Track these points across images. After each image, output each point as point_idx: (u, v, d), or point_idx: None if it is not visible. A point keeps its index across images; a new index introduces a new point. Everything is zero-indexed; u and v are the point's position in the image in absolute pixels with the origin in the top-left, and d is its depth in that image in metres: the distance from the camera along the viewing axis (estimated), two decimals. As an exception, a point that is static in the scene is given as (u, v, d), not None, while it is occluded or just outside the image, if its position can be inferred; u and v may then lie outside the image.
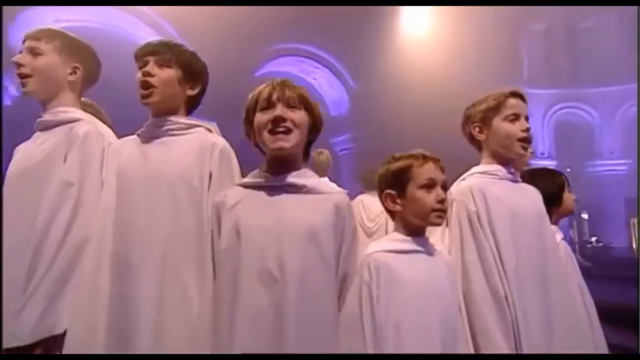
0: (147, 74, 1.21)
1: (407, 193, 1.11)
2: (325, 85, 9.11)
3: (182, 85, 1.26)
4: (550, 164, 9.93)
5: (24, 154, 1.30)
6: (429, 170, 1.11)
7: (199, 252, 1.12)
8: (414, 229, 1.13)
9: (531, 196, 1.35)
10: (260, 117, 1.07)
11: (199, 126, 1.27)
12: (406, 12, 9.63)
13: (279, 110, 1.06)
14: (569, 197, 1.66)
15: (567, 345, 1.20)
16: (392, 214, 1.17)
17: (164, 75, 1.22)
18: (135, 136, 1.30)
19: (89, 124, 1.28)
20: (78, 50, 1.36)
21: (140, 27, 6.87)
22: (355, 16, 8.16)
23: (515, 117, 1.30)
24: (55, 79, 1.31)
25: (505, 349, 1.14)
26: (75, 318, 1.10)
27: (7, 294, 1.13)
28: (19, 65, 1.28)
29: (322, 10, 7.61)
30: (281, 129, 1.05)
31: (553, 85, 11.33)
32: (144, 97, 1.21)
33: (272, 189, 1.08)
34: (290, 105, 1.07)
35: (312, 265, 1.00)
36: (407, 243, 1.11)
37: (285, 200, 1.06)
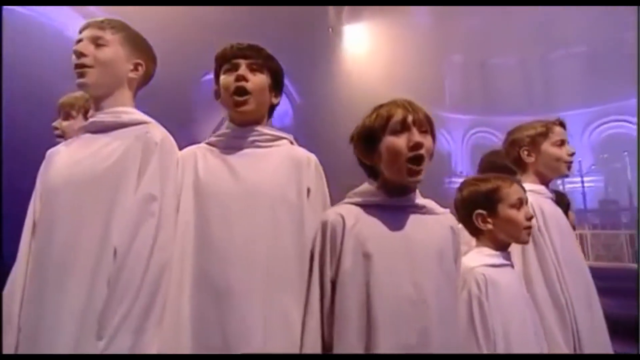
0: (243, 78, 1.13)
1: (499, 213, 1.20)
2: (269, 96, 9.08)
3: (270, 92, 1.20)
4: (467, 181, 11.02)
5: (71, 159, 1.13)
6: (517, 191, 1.21)
7: (299, 272, 1.06)
8: (501, 245, 1.22)
9: (563, 214, 1.54)
10: (397, 141, 1.02)
11: (283, 138, 1.21)
12: (349, 32, 10.09)
13: (418, 136, 1.02)
14: (571, 216, 1.91)
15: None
16: (478, 232, 1.24)
17: (258, 80, 1.16)
18: (205, 145, 1.20)
19: (161, 129, 1.16)
20: (141, 46, 1.23)
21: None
22: (303, 33, 8.34)
23: (562, 143, 1.49)
24: (117, 74, 1.17)
25: (565, 352, 1.28)
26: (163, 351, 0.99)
27: (60, 312, 0.98)
28: (81, 54, 1.13)
29: (274, 24, 7.64)
30: (419, 157, 1.01)
31: (470, 111, 12.64)
32: (240, 104, 1.13)
33: (391, 209, 1.06)
34: (422, 130, 1.04)
35: (443, 286, 1.01)
36: (499, 257, 1.20)
37: (409, 221, 1.05)
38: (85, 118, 1.48)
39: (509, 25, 11.75)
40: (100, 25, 1.17)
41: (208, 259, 1.04)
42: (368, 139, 1.07)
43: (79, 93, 1.52)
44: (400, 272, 0.99)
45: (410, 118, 1.03)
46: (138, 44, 1.22)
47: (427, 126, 1.04)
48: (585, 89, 11.26)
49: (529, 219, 1.20)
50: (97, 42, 1.15)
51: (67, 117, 1.51)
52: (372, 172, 1.12)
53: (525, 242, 1.22)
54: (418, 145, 1.01)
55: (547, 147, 1.49)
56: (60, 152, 1.18)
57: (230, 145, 1.17)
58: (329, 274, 1.03)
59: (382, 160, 1.05)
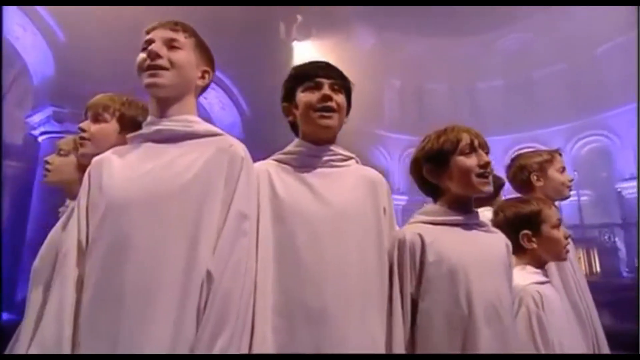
0: (329, 98, 1.15)
1: (543, 233, 1.34)
2: (216, 106, 8.85)
3: (346, 112, 1.23)
4: (403, 198, 11.64)
5: (135, 170, 1.03)
6: (556, 212, 1.36)
7: (381, 291, 1.09)
8: (542, 263, 1.36)
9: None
10: (468, 161, 1.17)
11: (352, 157, 1.24)
12: (298, 47, 10.26)
13: (485, 156, 1.18)
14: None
15: None
16: (521, 251, 1.36)
17: (341, 100, 1.18)
18: (274, 162, 1.19)
19: (240, 142, 1.12)
20: (208, 54, 1.20)
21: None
22: (255, 45, 8.32)
23: (563, 169, 1.71)
24: (188, 79, 1.12)
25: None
26: None
27: (145, 346, 0.88)
28: (156, 55, 1.06)
29: (226, 34, 7.53)
30: (487, 174, 1.16)
31: (405, 131, 13.42)
32: (328, 127, 1.15)
33: (461, 226, 1.17)
34: (485, 152, 1.20)
35: (508, 294, 1.13)
36: (542, 275, 1.34)
37: (478, 237, 1.17)
38: (121, 124, 1.35)
39: (444, 54, 12.84)
40: (174, 27, 1.12)
41: (299, 283, 1.01)
42: (438, 160, 1.20)
43: (113, 94, 1.39)
44: (485, 281, 1.09)
45: (476, 142, 1.19)
46: (206, 51, 1.19)
47: (487, 147, 1.21)
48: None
49: (567, 237, 1.36)
50: (171, 44, 1.09)
51: (98, 119, 1.34)
52: (435, 192, 1.24)
53: (564, 259, 1.37)
54: (488, 164, 1.17)
55: (552, 172, 1.69)
56: (113, 161, 1.07)
57: (304, 164, 1.17)
58: (409, 288, 1.09)
59: (454, 178, 1.18)
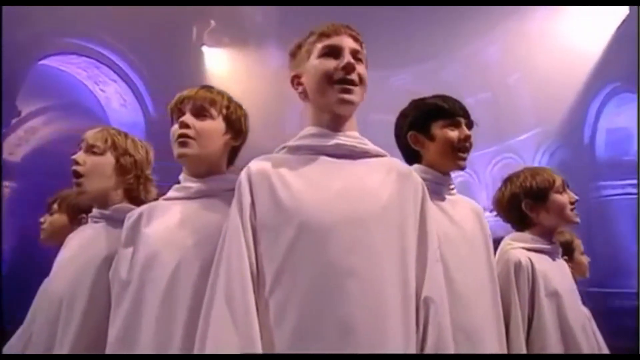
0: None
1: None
2: (115, 102, 7.89)
3: None
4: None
5: (323, 189, 1.00)
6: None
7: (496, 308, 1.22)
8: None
9: None
10: (562, 198, 1.46)
11: None
12: (209, 54, 9.87)
13: (573, 195, 1.46)
14: None
15: None
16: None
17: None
18: None
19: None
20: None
21: None
22: (169, 45, 7.78)
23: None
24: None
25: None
26: None
27: None
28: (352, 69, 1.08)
29: (136, 33, 6.93)
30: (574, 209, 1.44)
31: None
32: (464, 160, 1.33)
33: (548, 253, 1.48)
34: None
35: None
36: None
37: (563, 265, 1.54)
38: (227, 124, 1.28)
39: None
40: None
41: (453, 305, 1.05)
42: (538, 197, 1.48)
43: (212, 88, 1.35)
44: (575, 304, 1.27)
45: (565, 184, 1.51)
46: None
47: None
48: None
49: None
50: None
51: (203, 115, 1.23)
52: (525, 223, 1.52)
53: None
54: (575, 201, 1.48)
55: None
56: (283, 174, 1.01)
57: (437, 191, 1.28)
58: (526, 309, 1.28)
59: (550, 212, 1.48)
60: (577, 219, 1.48)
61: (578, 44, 8.40)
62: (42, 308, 1.32)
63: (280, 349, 0.86)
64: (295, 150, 1.07)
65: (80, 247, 1.38)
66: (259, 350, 0.84)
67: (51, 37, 6.15)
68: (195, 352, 0.90)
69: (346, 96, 1.03)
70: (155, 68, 7.74)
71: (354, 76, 1.04)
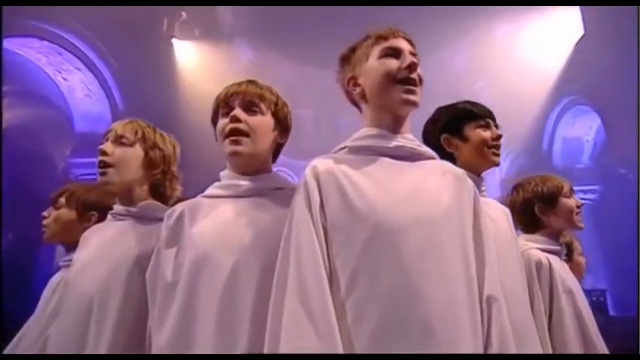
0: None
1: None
2: (78, 91, 7.45)
3: None
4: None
5: (390, 190, 1.00)
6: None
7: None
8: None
9: None
10: (570, 202, 1.59)
11: None
12: (178, 46, 9.58)
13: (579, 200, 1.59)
14: None
15: None
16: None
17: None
18: None
19: None
20: None
21: None
22: (136, 37, 7.47)
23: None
24: None
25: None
26: None
27: None
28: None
29: (108, 24, 6.62)
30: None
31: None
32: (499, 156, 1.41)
33: (558, 255, 1.61)
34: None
35: None
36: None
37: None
38: (275, 121, 1.21)
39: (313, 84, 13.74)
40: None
41: None
42: (548, 201, 1.61)
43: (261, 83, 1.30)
44: (586, 302, 1.45)
45: (571, 189, 1.65)
46: None
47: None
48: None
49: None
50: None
51: (253, 110, 1.19)
52: (535, 226, 1.64)
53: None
54: (582, 205, 1.62)
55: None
56: (348, 173, 1.01)
57: None
58: (547, 306, 1.40)
59: (559, 215, 1.61)
60: (582, 225, 1.62)
61: (537, 60, 8.98)
62: (69, 309, 1.24)
63: (359, 349, 0.85)
64: (356, 150, 1.07)
65: (106, 246, 1.31)
66: (340, 350, 0.84)
67: (9, 15, 5.70)
68: (266, 351, 0.88)
69: (410, 97, 1.05)
70: (124, 58, 7.41)
71: (415, 75, 1.06)
